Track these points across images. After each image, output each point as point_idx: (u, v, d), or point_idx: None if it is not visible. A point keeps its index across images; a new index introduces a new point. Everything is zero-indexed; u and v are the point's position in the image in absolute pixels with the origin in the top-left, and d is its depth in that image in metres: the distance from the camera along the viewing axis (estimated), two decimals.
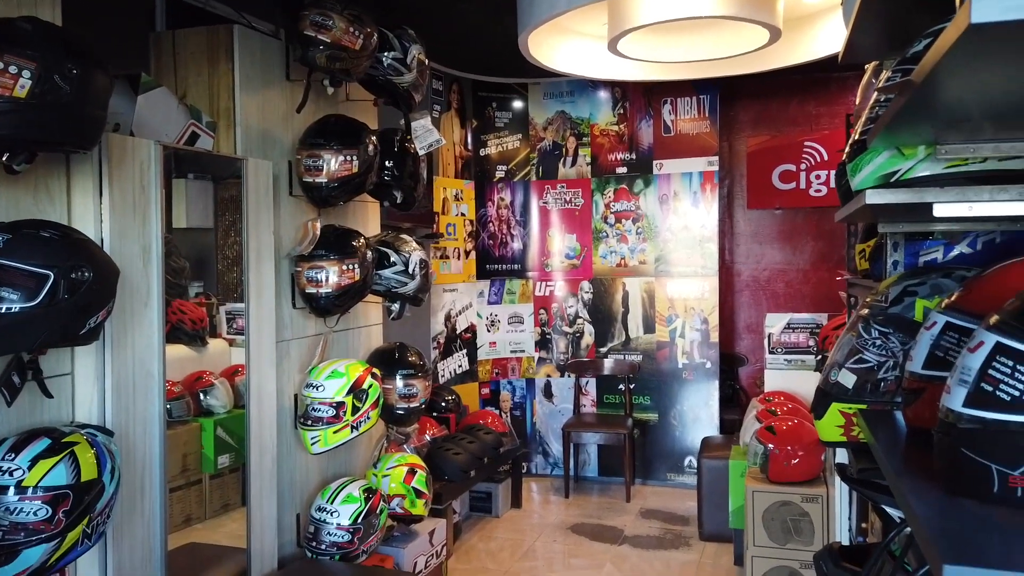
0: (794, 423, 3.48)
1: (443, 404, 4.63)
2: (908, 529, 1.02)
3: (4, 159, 1.70)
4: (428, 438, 4.24)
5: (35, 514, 1.66)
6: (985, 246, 1.82)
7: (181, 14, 3.02)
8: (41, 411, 1.90)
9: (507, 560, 4.14)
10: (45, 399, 1.88)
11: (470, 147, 5.44)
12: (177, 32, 2.82)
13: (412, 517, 3.39)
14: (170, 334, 2.93)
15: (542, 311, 5.59)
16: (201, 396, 3.29)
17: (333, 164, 2.79)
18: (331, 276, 2.83)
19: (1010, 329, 0.66)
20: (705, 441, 4.63)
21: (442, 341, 5.11)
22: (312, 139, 2.83)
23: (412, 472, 3.38)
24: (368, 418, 2.97)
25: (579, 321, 5.53)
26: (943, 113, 0.89)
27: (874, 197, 1.12)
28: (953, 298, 0.94)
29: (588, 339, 5.51)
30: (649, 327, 5.39)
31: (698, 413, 5.29)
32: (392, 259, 3.15)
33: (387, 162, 3.14)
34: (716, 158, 5.20)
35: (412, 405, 3.27)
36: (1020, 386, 0.64)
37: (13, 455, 1.69)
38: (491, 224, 5.57)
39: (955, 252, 1.84)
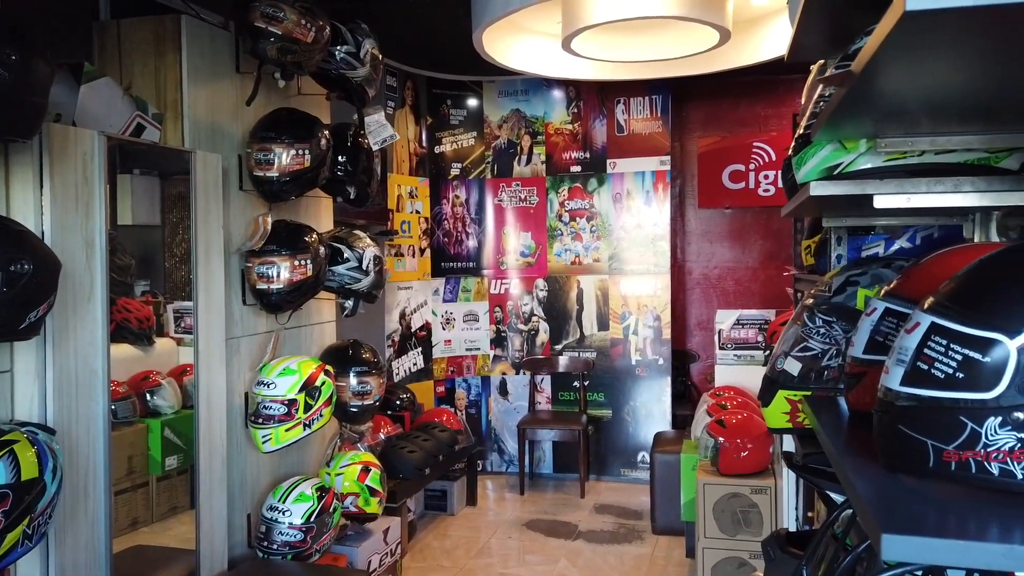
0: (743, 417, 3.55)
1: (398, 402, 4.61)
2: (850, 511, 1.05)
3: None
4: (383, 436, 4.21)
5: None
6: (924, 240, 1.89)
7: (125, 3, 2.95)
8: None
9: (462, 558, 4.14)
10: None
11: (425, 144, 5.42)
12: (122, 21, 2.75)
13: (366, 516, 3.37)
14: (115, 333, 2.85)
15: (497, 309, 5.59)
16: (148, 396, 3.21)
17: (285, 158, 2.75)
18: (283, 272, 2.79)
19: (943, 310, 0.69)
20: (657, 436, 4.69)
21: (397, 339, 5.08)
22: (263, 132, 2.78)
23: (366, 470, 3.35)
24: (321, 416, 2.94)
25: (534, 319, 5.55)
26: (882, 106, 0.93)
27: (818, 189, 1.15)
28: (892, 285, 0.97)
29: (543, 337, 5.54)
30: (603, 324, 5.44)
31: (651, 409, 5.36)
32: (345, 255, 3.12)
33: (340, 157, 3.11)
34: (668, 158, 5.28)
35: (366, 403, 3.24)
36: (952, 364, 0.67)
37: None
38: (446, 222, 5.56)
39: (895, 246, 1.90)
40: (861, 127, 1.06)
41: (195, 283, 2.64)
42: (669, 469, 4.16)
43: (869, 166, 1.14)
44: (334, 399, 3.02)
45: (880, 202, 1.12)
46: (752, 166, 5.42)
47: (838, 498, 1.38)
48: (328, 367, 3.01)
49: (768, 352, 3.88)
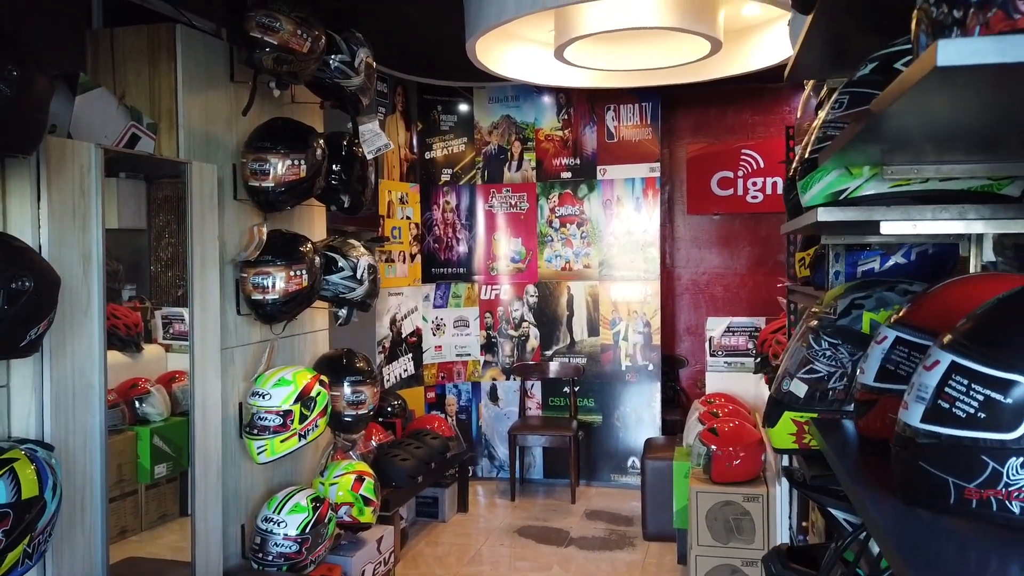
0: (735, 424, 3.58)
1: (389, 409, 4.60)
2: (862, 536, 1.07)
3: None
4: (375, 444, 4.20)
5: None
6: (919, 256, 1.92)
7: (119, 11, 2.93)
8: None
9: (454, 565, 4.14)
10: None
11: (415, 150, 5.41)
12: (116, 30, 2.73)
13: (360, 525, 3.36)
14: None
15: (488, 314, 5.60)
16: (136, 404, 3.18)
17: (280, 168, 2.74)
18: (278, 282, 2.78)
19: (964, 349, 0.71)
20: (648, 442, 4.72)
21: (387, 345, 5.07)
22: (258, 142, 2.78)
23: (360, 480, 3.35)
24: (316, 426, 2.93)
25: (524, 324, 5.56)
26: (892, 139, 0.94)
27: (826, 215, 1.17)
28: (902, 313, 0.99)
29: (533, 342, 5.55)
30: (593, 330, 5.46)
31: (641, 414, 5.38)
32: (340, 264, 3.11)
33: (335, 166, 3.10)
34: (657, 164, 5.31)
35: (360, 412, 3.24)
36: (974, 404, 0.68)
37: None
38: (437, 227, 5.55)
39: (891, 262, 1.93)
40: (869, 156, 1.08)
41: (190, 293, 2.63)
42: (660, 475, 4.19)
43: (875, 192, 1.16)
44: (329, 409, 3.01)
45: (887, 228, 1.14)
46: (740, 173, 5.46)
47: (840, 515, 1.40)
48: (323, 377, 3.00)
49: (759, 359, 3.91)
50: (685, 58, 3.83)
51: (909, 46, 0.99)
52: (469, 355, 5.60)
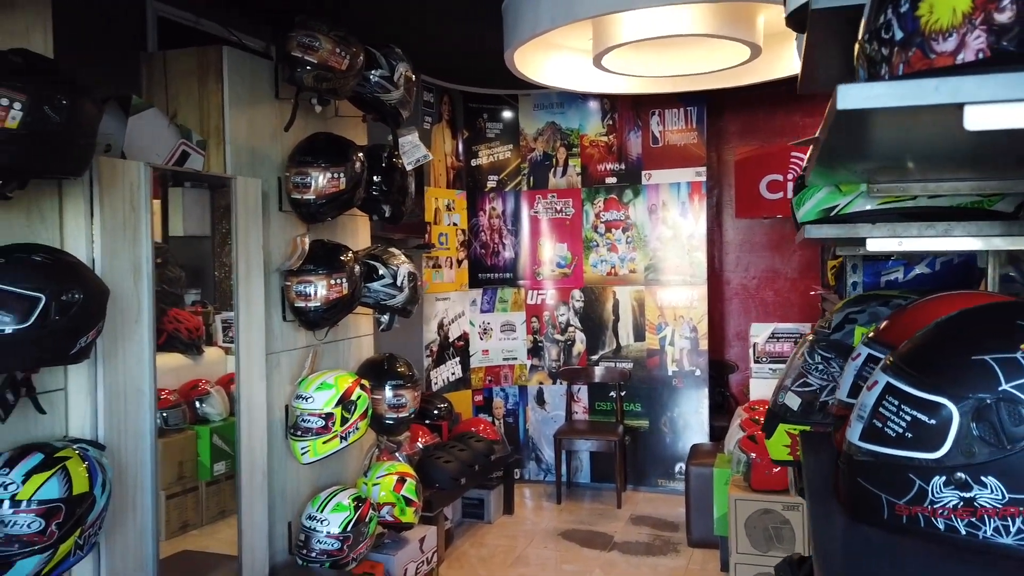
0: None
1: (435, 412, 4.70)
2: None
3: None
4: (420, 446, 4.30)
5: (28, 526, 1.73)
6: (943, 266, 1.89)
7: (171, 34, 3.10)
8: (35, 426, 1.97)
9: (498, 566, 4.20)
10: (39, 414, 1.95)
11: (461, 157, 5.51)
12: (168, 53, 2.89)
13: (402, 525, 3.46)
14: (166, 343, 2.99)
15: (534, 319, 5.65)
16: (197, 404, 3.34)
17: (321, 181, 2.86)
18: (319, 290, 2.90)
19: (898, 371, 0.73)
20: (694, 448, 4.69)
21: (435, 349, 5.18)
22: (300, 157, 2.90)
23: (402, 480, 3.44)
24: (357, 429, 3.04)
25: (570, 329, 5.60)
26: (862, 159, 0.96)
27: (812, 232, 1.18)
28: (877, 331, 1.00)
29: (579, 347, 5.58)
30: (639, 335, 5.45)
31: (688, 420, 5.35)
32: (380, 272, 3.22)
33: (375, 177, 3.21)
34: (704, 168, 5.27)
35: (401, 415, 3.34)
36: (903, 424, 0.70)
37: (7, 469, 1.76)
38: (483, 233, 5.64)
39: (915, 272, 1.91)
40: (851, 175, 1.09)
41: (236, 300, 2.76)
42: (704, 482, 4.16)
43: (863, 208, 1.17)
44: (370, 412, 3.12)
45: (872, 245, 1.15)
46: (790, 175, 5.37)
47: None
48: (364, 381, 3.11)
49: None
50: (728, 63, 3.81)
51: None
52: (516, 359, 5.66)
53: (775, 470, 3.44)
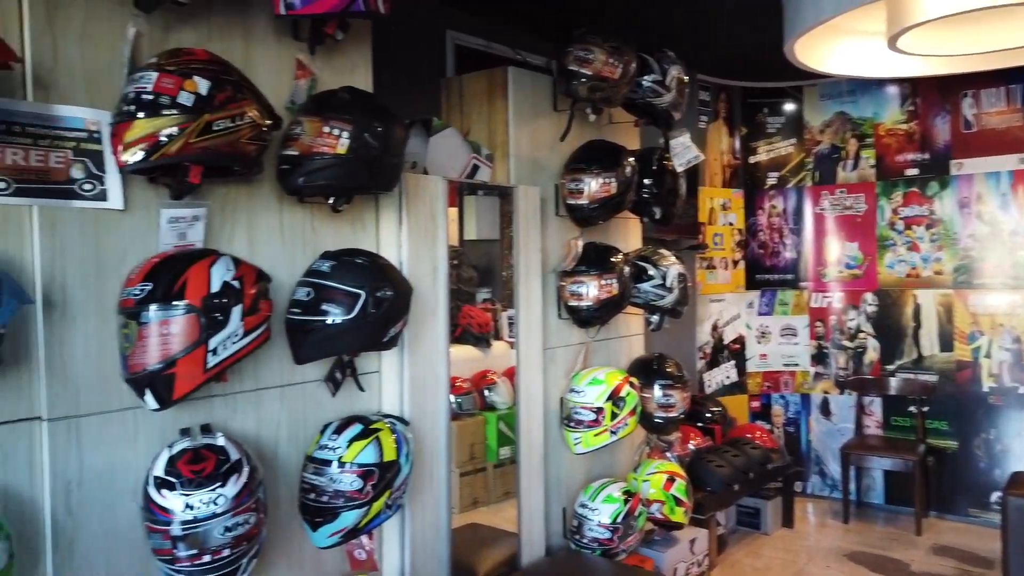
0: None
1: (708, 415, 4.64)
2: None
3: (330, 202, 2.16)
4: (691, 447, 4.29)
5: (351, 484, 2.07)
6: None
7: (466, 59, 3.46)
8: (356, 401, 2.35)
9: None
10: (359, 392, 2.32)
11: (739, 155, 5.36)
12: (463, 77, 3.24)
13: (671, 523, 3.49)
14: (460, 336, 3.33)
15: (818, 323, 5.31)
16: (486, 392, 3.68)
17: (593, 186, 3.01)
18: (591, 290, 3.04)
19: None
20: (1015, 476, 4.08)
21: (708, 351, 5.10)
22: (574, 164, 3.08)
23: (671, 480, 3.47)
24: (626, 424, 3.14)
25: (861, 335, 5.16)
26: None
27: None
28: None
29: (872, 355, 5.12)
30: (946, 344, 4.86)
31: (1009, 443, 4.66)
32: (650, 273, 3.29)
33: (646, 180, 3.29)
34: None
35: (670, 415, 3.37)
36: None
37: (336, 436, 2.13)
38: (761, 233, 5.43)
39: None
40: None
41: (517, 299, 3.01)
42: None
43: None
44: (639, 409, 3.20)
45: None
46: None
47: None
48: (633, 379, 3.20)
49: None
50: None
51: None
52: (797, 365, 5.37)
53: None
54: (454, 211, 3.10)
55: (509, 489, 3.68)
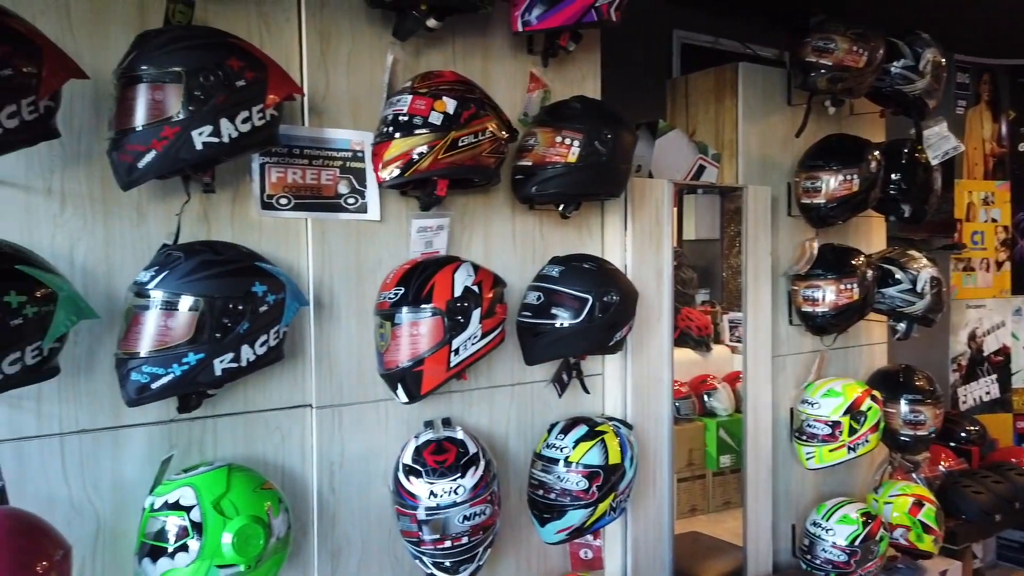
0: None
1: (963, 434, 4.15)
2: None
3: (560, 209, 2.22)
4: (942, 470, 3.86)
5: (576, 484, 2.13)
6: None
7: (693, 57, 3.39)
8: (580, 403, 2.40)
9: None
10: (583, 394, 2.37)
11: (1005, 142, 4.73)
12: (689, 76, 3.18)
13: (918, 552, 3.18)
14: (678, 339, 3.29)
15: None
16: (705, 398, 3.61)
17: (832, 184, 2.81)
18: (827, 295, 2.85)
19: None
20: None
21: (964, 363, 4.57)
22: (811, 161, 2.90)
23: (919, 504, 3.16)
24: (866, 441, 2.90)
25: None
26: None
27: None
28: None
29: None
30: None
31: None
32: (897, 276, 3.01)
33: (893, 175, 3.02)
34: None
35: (919, 433, 3.07)
36: None
37: (563, 436, 2.19)
38: None
39: None
40: None
41: (744, 303, 2.90)
42: None
43: None
44: (881, 425, 2.95)
45: None
46: None
47: None
48: (875, 392, 2.95)
49: None
50: None
51: None
52: None
53: None
54: (673, 211, 3.06)
55: (730, 499, 3.57)
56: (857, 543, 2.89)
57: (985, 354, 4.64)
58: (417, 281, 1.86)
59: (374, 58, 2.00)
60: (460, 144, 1.84)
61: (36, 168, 1.60)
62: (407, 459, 1.92)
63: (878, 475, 3.33)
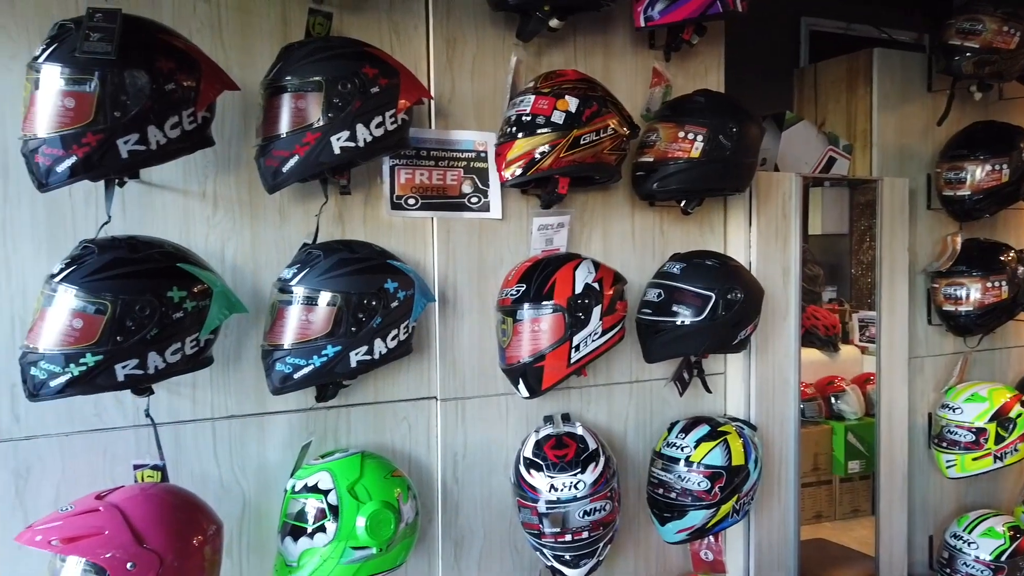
0: None
1: None
2: None
3: (681, 205, 2.19)
4: None
5: (698, 484, 2.10)
6: None
7: (823, 45, 3.25)
8: (701, 402, 2.36)
9: None
10: (703, 392, 2.33)
11: None
12: (818, 65, 3.05)
13: None
14: (802, 338, 3.18)
15: None
16: (832, 400, 3.47)
17: (978, 175, 2.63)
18: (972, 293, 2.67)
19: None
20: None
21: None
22: (954, 151, 2.72)
23: None
24: (1015, 450, 2.71)
25: None
26: None
27: None
28: None
29: None
30: None
31: None
32: None
33: None
34: None
35: None
36: None
37: (684, 435, 2.17)
38: None
39: None
40: None
41: (879, 301, 2.76)
42: None
43: None
44: None
45: None
46: None
47: None
48: None
49: None
50: None
51: None
52: None
53: None
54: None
55: (858, 506, 3.43)
56: (1004, 559, 2.70)
57: None
58: (538, 278, 1.89)
59: (497, 60, 2.05)
60: (582, 142, 1.85)
61: (193, 174, 1.74)
62: (528, 452, 1.95)
63: None
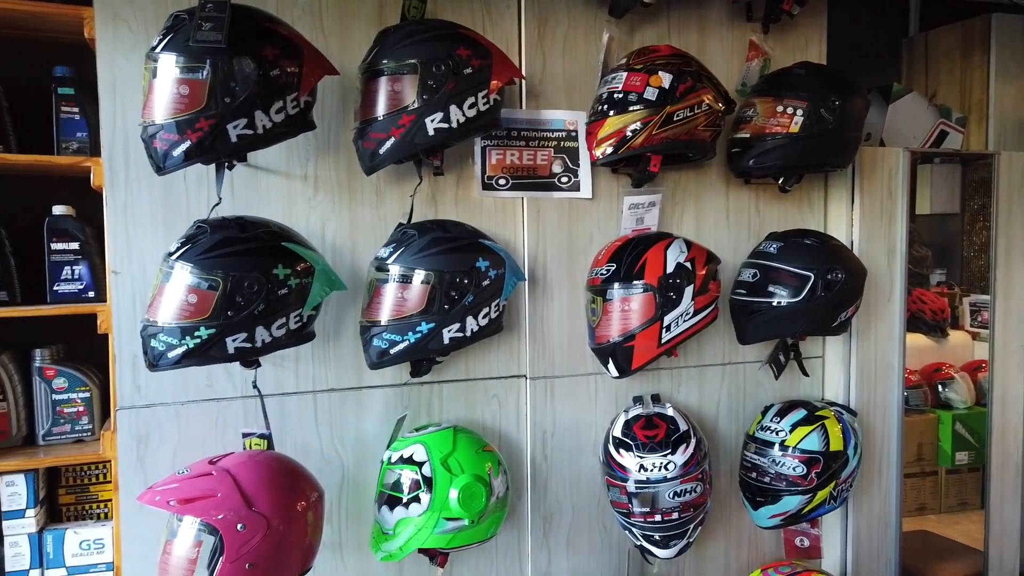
0: None
1: None
2: None
3: (779, 183, 2.13)
4: None
5: (793, 469, 2.05)
6: None
7: (933, 12, 3.06)
8: (797, 386, 2.30)
9: None
10: (801, 376, 2.27)
11: None
12: (929, 33, 2.88)
13: None
14: (908, 323, 3.03)
15: None
16: (939, 388, 3.30)
17: None
18: None
19: None
20: None
21: None
22: None
23: None
24: None
25: None
26: None
27: None
28: None
29: None
30: None
31: None
32: None
33: None
34: None
35: None
36: None
37: (778, 419, 2.12)
38: None
39: None
40: None
41: (992, 284, 2.60)
42: None
43: None
44: None
45: None
46: None
47: None
48: None
49: None
50: None
51: None
52: None
53: None
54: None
55: (966, 499, 3.27)
56: None
57: None
58: (629, 257, 1.88)
59: (588, 38, 2.03)
60: (675, 118, 1.82)
61: (295, 157, 1.81)
62: (617, 432, 1.95)
63: None
